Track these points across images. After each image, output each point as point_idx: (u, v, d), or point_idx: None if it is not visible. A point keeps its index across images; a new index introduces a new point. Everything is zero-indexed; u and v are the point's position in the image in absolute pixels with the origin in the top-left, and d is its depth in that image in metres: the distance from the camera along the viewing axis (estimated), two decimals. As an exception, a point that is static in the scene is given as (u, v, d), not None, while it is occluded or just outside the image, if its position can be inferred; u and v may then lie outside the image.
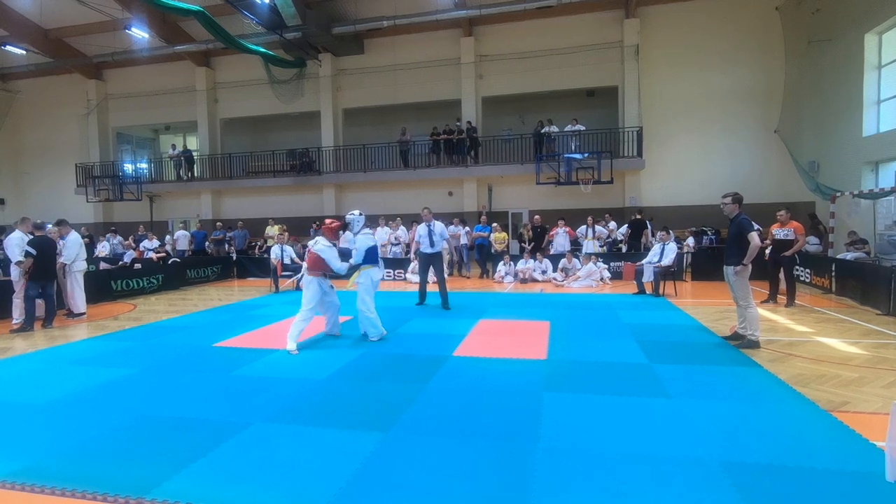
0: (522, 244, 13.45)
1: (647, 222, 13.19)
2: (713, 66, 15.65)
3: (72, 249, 8.32)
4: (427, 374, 4.74)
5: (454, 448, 3.19)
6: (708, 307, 8.17)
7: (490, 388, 4.35)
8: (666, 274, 9.44)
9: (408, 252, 13.46)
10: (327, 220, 6.52)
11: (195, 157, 20.14)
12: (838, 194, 12.01)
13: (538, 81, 16.90)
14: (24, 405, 4.14)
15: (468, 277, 12.87)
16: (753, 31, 15.24)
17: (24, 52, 18.10)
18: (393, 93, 18.26)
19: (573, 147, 15.87)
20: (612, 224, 13.28)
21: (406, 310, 8.32)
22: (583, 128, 16.06)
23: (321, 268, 5.96)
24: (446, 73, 17.62)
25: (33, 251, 7.27)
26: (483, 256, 12.82)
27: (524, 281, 11.63)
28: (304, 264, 6.32)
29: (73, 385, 4.63)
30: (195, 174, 20.10)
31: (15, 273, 7.59)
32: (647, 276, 9.50)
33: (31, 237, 7.54)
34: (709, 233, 14.57)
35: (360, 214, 6.26)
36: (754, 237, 5.36)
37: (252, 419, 3.70)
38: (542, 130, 16.25)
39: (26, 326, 7.31)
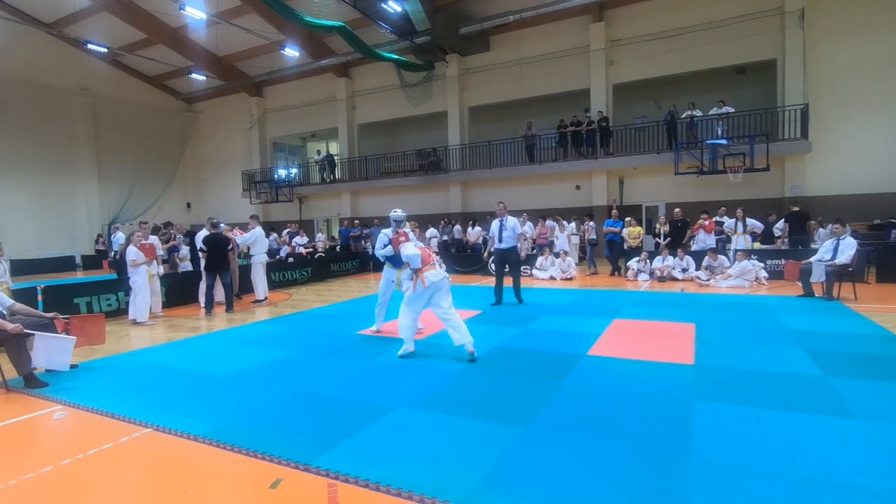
0: (657, 239, 12.49)
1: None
2: (901, 27, 12.98)
3: (246, 239, 9.55)
4: (561, 372, 4.62)
5: (597, 449, 3.07)
6: (901, 314, 6.81)
7: (630, 390, 4.11)
8: (842, 274, 8.06)
9: (534, 248, 13.30)
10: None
11: (336, 161, 22.07)
12: None
13: (677, 62, 15.53)
14: (211, 376, 4.90)
15: (590, 275, 12.32)
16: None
17: (204, 77, 21.39)
18: (518, 88, 18.15)
19: (719, 132, 14.32)
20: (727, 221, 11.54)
21: (533, 306, 8.20)
22: (731, 109, 14.40)
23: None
24: (573, 62, 17.02)
25: (205, 247, 8.57)
26: (615, 253, 12.15)
27: (662, 279, 10.79)
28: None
29: (246, 362, 5.36)
30: (336, 176, 22.02)
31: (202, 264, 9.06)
32: (817, 277, 8.20)
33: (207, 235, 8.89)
34: (900, 225, 12.16)
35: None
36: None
37: (395, 403, 3.95)
38: (685, 115, 14.90)
39: (207, 311, 8.62)
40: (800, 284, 8.62)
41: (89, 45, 17.86)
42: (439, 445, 3.20)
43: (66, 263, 19.62)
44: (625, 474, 2.77)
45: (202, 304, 9.19)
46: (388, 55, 17.42)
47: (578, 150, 16.72)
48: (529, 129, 17.21)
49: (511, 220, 8.28)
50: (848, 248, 8.04)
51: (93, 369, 5.27)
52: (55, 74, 20.73)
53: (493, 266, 9.05)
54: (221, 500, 2.75)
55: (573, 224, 13.65)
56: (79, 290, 8.31)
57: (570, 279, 11.57)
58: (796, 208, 11.44)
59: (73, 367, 5.21)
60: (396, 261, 6.10)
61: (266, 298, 9.75)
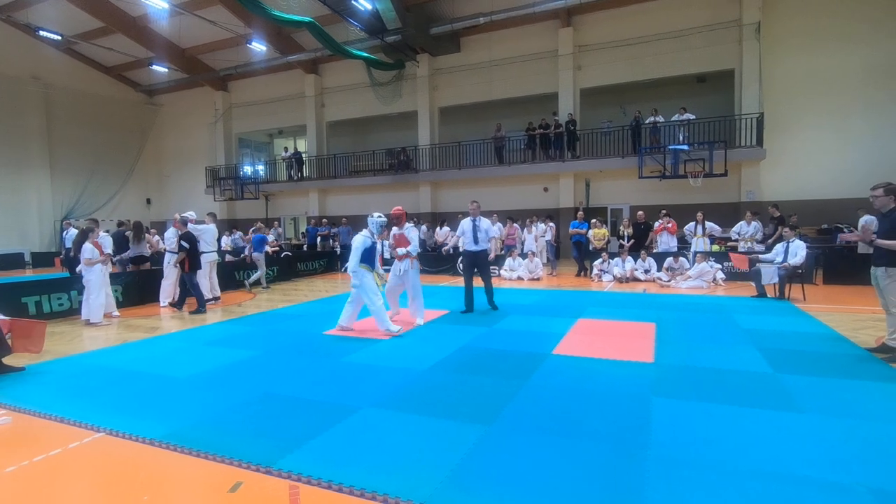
0: (621, 241, 12.83)
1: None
2: (850, 42, 13.74)
3: (196, 227, 8.95)
4: (527, 371, 4.69)
5: (559, 447, 3.12)
6: (846, 314, 7.21)
7: (593, 389, 4.20)
8: (792, 276, 8.47)
9: (502, 248, 13.43)
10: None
11: (304, 159, 21.72)
12: None
13: (642, 69, 15.98)
14: (170, 378, 4.74)
15: (549, 275, 12.53)
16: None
17: (166, 69, 20.68)
18: (488, 89, 18.29)
19: (681, 138, 14.80)
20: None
21: (500, 306, 8.27)
22: (692, 116, 14.92)
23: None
24: (543, 66, 17.27)
25: (186, 245, 8.24)
26: (581, 254, 12.40)
27: (626, 280, 11.06)
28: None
29: (207, 363, 5.22)
30: (304, 174, 21.67)
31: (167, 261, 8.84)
32: (769, 279, 8.57)
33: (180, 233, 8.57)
34: (845, 230, 12.83)
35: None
36: (898, 238, 4.65)
37: (361, 404, 3.92)
38: (648, 120, 15.35)
39: (201, 309, 8.31)
40: (753, 285, 9.00)
41: (41, 32, 17.01)
42: (404, 445, 3.19)
43: (14, 261, 18.62)
44: (585, 471, 2.84)
45: (161, 304, 8.92)
46: (358, 53, 17.26)
47: (546, 153, 16.98)
48: (499, 131, 17.38)
49: (485, 222, 7.82)
50: (798, 251, 8.45)
51: (41, 372, 5.03)
52: (4, 62, 19.63)
53: (461, 266, 8.97)
54: (178, 506, 2.67)
55: (541, 225, 13.85)
56: (27, 288, 7.90)
57: (538, 279, 11.74)
58: (778, 213, 11.96)
59: (19, 369, 4.95)
60: (371, 260, 6.45)
61: (217, 299, 9.44)
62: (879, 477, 2.70)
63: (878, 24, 13.47)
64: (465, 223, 7.90)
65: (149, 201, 25.45)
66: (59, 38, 17.86)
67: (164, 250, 9.46)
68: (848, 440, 3.16)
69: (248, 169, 24.25)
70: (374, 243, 6.49)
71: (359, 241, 6.38)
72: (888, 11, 13.31)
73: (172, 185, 25.52)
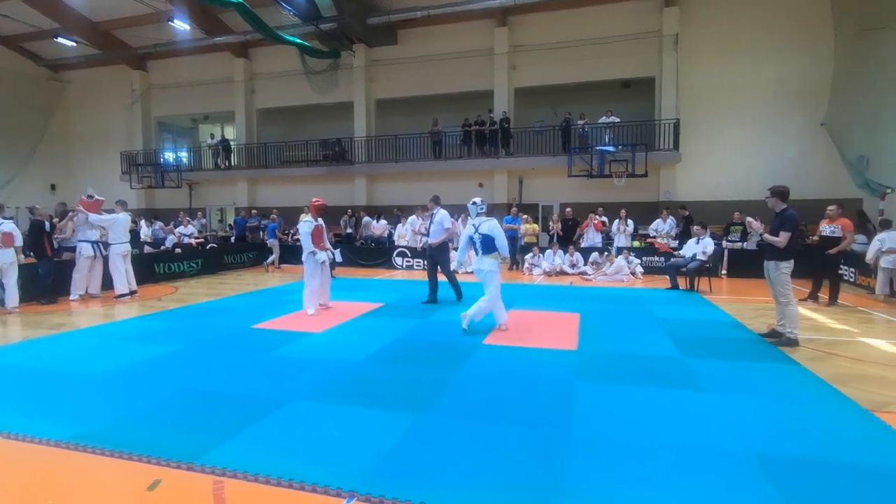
0: (550, 233, 13.38)
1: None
2: (758, 57, 15.05)
3: (103, 219, 8.43)
4: (458, 361, 4.81)
5: (489, 433, 3.25)
6: (744, 304, 7.98)
7: (522, 376, 4.40)
8: (700, 270, 9.24)
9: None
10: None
11: (232, 147, 20.68)
12: (888, 191, 11.47)
13: (573, 72, 16.63)
14: (81, 376, 4.41)
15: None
16: (802, 20, 14.58)
17: (74, 44, 18.88)
18: (425, 84, 18.28)
19: (607, 139, 15.61)
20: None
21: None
22: (617, 119, 15.76)
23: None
24: (479, 63, 17.52)
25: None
26: (513, 248, 12.78)
27: (554, 273, 11.55)
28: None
29: (124, 359, 4.90)
30: (232, 163, 20.64)
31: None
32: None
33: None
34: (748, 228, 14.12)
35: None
36: (781, 236, 5.28)
37: (291, 397, 3.85)
38: (580, 123, 16.04)
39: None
40: (668, 278, 9.73)
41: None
42: (335, 436, 3.19)
43: None
44: (514, 452, 2.98)
45: (71, 297, 8.27)
46: (291, 39, 16.65)
47: (482, 149, 17.29)
48: (435, 126, 17.46)
49: (440, 215, 7.98)
50: (707, 247, 9.23)
51: (-77, 373, 4.50)
52: None
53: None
54: (89, 508, 2.52)
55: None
56: None
57: (471, 273, 11.95)
58: (686, 212, 12.89)
59: None
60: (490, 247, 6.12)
61: (133, 293, 8.76)
62: (764, 444, 3.06)
63: (786, 38, 14.82)
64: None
65: (53, 187, 23.17)
66: (-57, 0, 15.80)
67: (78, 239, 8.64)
68: (740, 414, 3.54)
69: (169, 155, 22.73)
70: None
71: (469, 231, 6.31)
72: (798, 25, 14.67)
73: (82, 170, 23.38)
